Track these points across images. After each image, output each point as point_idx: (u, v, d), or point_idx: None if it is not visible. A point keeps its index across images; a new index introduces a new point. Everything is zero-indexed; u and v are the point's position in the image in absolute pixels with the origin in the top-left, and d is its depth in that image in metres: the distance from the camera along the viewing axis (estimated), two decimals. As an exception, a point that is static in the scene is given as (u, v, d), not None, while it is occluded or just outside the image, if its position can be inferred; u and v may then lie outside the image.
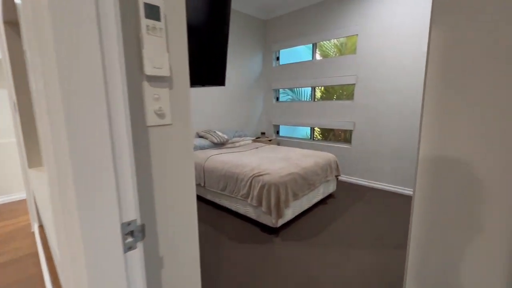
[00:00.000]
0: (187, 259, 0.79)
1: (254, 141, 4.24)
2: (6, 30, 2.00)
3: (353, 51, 3.77)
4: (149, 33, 0.58)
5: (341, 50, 4.56)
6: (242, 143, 3.88)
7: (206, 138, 3.52)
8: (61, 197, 0.50)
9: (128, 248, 0.50)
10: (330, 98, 4.98)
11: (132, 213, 0.50)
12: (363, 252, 1.99)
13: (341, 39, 4.46)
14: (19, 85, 2.03)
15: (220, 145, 3.57)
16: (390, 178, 3.33)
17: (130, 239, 0.51)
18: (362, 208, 2.81)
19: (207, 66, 1.03)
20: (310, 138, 4.44)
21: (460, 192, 0.89)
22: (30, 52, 0.70)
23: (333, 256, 1.93)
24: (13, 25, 2.02)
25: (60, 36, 0.39)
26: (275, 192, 2.18)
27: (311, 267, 1.81)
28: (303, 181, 2.47)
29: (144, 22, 0.57)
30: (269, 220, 2.24)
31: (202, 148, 3.32)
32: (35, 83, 0.67)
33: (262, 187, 2.24)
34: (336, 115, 3.81)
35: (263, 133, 4.68)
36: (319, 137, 5.19)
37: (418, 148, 1.00)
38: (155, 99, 0.62)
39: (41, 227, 2.28)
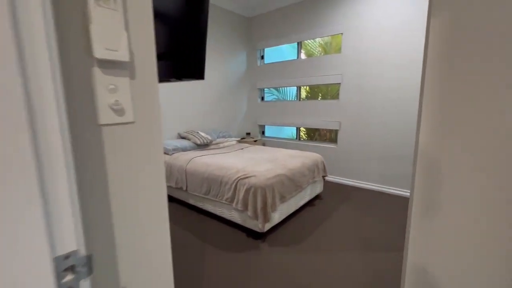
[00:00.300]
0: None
1: (239, 142, 4.12)
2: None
3: (338, 50, 3.75)
4: (99, 4, 0.44)
5: (326, 50, 4.54)
6: (226, 144, 3.74)
7: (189, 139, 3.35)
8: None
9: (66, 290, 0.37)
10: (315, 98, 4.96)
11: (72, 242, 0.37)
12: (352, 256, 1.92)
13: (326, 39, 4.45)
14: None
15: (203, 146, 3.41)
16: (376, 178, 3.33)
17: (69, 277, 0.37)
18: (349, 209, 2.77)
19: (183, 58, 0.90)
20: (296, 138, 4.38)
21: (464, 194, 0.82)
22: None
23: (322, 261, 1.85)
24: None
25: None
26: (261, 195, 2.07)
27: (300, 274, 1.72)
28: (290, 183, 2.39)
29: (92, -11, 0.44)
30: (256, 225, 2.12)
31: (184, 149, 3.16)
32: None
33: (248, 190, 2.13)
34: (322, 115, 3.77)
35: (248, 134, 4.57)
36: (304, 137, 5.15)
37: (416, 148, 0.93)
38: (111, 91, 0.48)
39: None
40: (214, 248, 2.03)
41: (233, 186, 2.24)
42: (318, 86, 4.73)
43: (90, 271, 0.40)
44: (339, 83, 3.52)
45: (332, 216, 2.59)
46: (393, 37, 2.97)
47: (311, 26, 3.67)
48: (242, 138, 4.39)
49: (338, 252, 1.97)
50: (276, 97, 4.99)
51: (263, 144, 4.52)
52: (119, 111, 0.50)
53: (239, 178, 2.23)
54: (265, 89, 4.65)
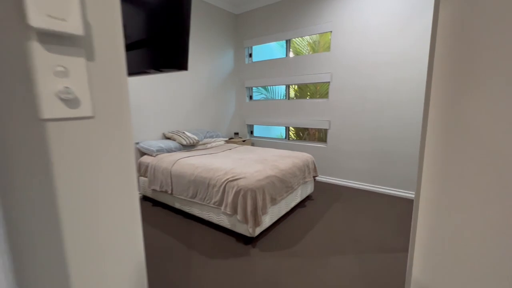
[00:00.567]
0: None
1: (227, 142, 3.99)
2: None
3: (327, 49, 3.71)
4: (36, -46, 0.32)
5: (315, 48, 4.50)
6: (214, 144, 3.61)
7: (174, 140, 3.19)
8: None
9: None
10: (304, 97, 4.92)
11: None
12: (346, 259, 1.85)
13: (314, 37, 4.41)
14: None
15: (189, 147, 3.26)
16: (366, 177, 3.31)
17: None
18: (340, 209, 2.72)
19: (163, 45, 0.78)
20: (285, 138, 4.31)
21: (480, 194, 0.75)
22: None
23: (315, 267, 1.77)
24: None
25: None
26: (251, 198, 1.97)
27: (293, 281, 1.63)
28: (281, 184, 2.29)
29: None
30: (246, 230, 2.02)
31: (169, 150, 3.00)
32: None
33: (237, 193, 2.02)
34: (312, 114, 3.72)
35: (236, 134, 4.45)
36: (293, 137, 5.09)
37: (423, 143, 0.85)
38: (58, 74, 0.36)
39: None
40: (201, 255, 1.90)
41: (222, 188, 2.12)
42: (307, 85, 4.69)
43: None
44: (329, 82, 3.47)
45: (324, 217, 2.53)
46: (383, 35, 2.95)
47: (300, 24, 3.61)
48: (230, 138, 4.27)
49: (332, 255, 1.90)
50: (265, 96, 4.90)
51: (252, 144, 4.42)
52: (72, 102, 0.38)
53: (227, 180, 2.11)
54: (254, 88, 4.55)
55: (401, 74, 2.88)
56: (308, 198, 3.01)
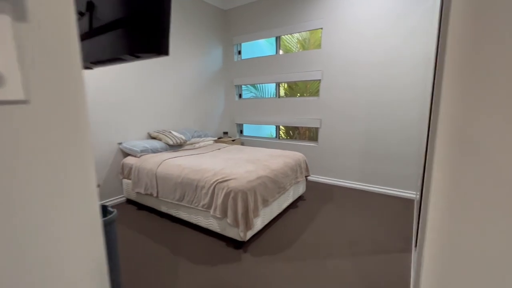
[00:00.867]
0: None
1: (216, 141, 3.87)
2: None
3: (318, 46, 3.65)
4: None
5: (305, 46, 4.45)
6: (202, 144, 3.47)
7: (160, 140, 3.04)
8: None
9: None
10: (294, 96, 4.85)
11: None
12: (342, 262, 1.78)
13: (304, 35, 4.36)
14: None
15: (176, 147, 3.11)
16: (358, 176, 3.27)
17: None
18: (333, 209, 2.66)
19: (139, 26, 0.66)
20: (276, 137, 4.23)
21: (494, 196, 0.68)
22: None
23: (310, 271, 1.69)
24: None
25: None
26: (242, 200, 1.86)
27: (287, 287, 1.54)
28: (273, 185, 2.20)
29: None
30: (236, 233, 1.91)
31: (154, 151, 2.84)
32: None
33: (227, 194, 1.91)
34: (302, 112, 3.65)
35: (225, 133, 4.32)
36: (284, 136, 5.02)
37: (432, 136, 0.78)
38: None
39: None
40: (188, 262, 1.78)
41: (211, 190, 2.00)
42: (296, 84, 4.63)
43: None
44: (319, 80, 3.41)
45: (317, 217, 2.45)
46: (376, 32, 2.92)
47: (290, 20, 3.53)
48: (219, 138, 4.14)
49: (327, 259, 1.82)
50: (254, 95, 4.80)
51: (242, 144, 4.31)
52: (-10, 78, 0.26)
53: (217, 182, 2.00)
54: (243, 86, 4.44)
55: (394, 72, 2.86)
56: (300, 198, 2.94)
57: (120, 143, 2.84)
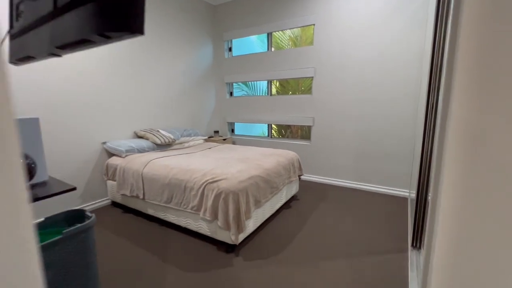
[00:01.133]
0: None
1: (206, 140, 3.75)
2: None
3: (309, 44, 3.60)
4: None
5: (297, 43, 4.38)
6: (192, 143, 3.35)
7: (147, 139, 2.90)
8: None
9: None
10: (286, 94, 4.78)
11: None
12: (338, 264, 1.71)
13: (296, 32, 4.29)
14: None
15: (164, 146, 2.98)
16: (352, 175, 3.22)
17: None
18: (327, 209, 2.59)
19: (107, 1, 0.56)
20: (268, 136, 4.14)
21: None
22: None
23: (306, 274, 1.61)
24: None
25: None
26: (233, 201, 1.77)
27: (283, 293, 1.46)
28: (265, 185, 2.11)
29: None
30: (227, 237, 1.81)
31: (141, 150, 2.70)
32: None
33: (218, 196, 1.80)
34: (295, 110, 3.58)
35: (216, 132, 4.21)
36: (275, 135, 4.94)
37: (441, 136, 0.70)
38: None
39: None
40: (176, 269, 1.67)
41: (200, 191, 1.89)
42: (288, 81, 4.56)
43: None
44: (312, 77, 3.35)
45: (311, 218, 2.38)
46: (369, 28, 2.87)
47: (282, 16, 3.45)
48: (209, 137, 4.02)
49: (323, 261, 1.75)
50: (246, 93, 4.70)
51: (233, 143, 4.20)
52: None
53: (206, 182, 1.89)
54: (234, 84, 4.34)
55: (387, 68, 2.82)
56: (293, 198, 2.86)
57: (104, 143, 2.68)
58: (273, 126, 4.42)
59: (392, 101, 2.84)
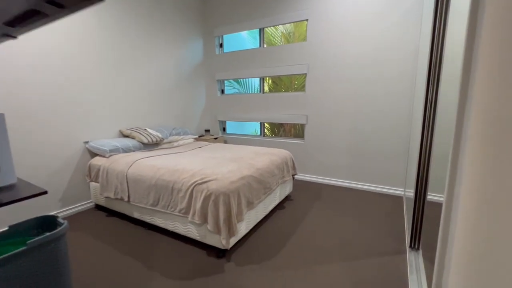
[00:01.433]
0: None
1: (196, 139, 3.62)
2: None
3: (302, 40, 3.51)
4: None
5: (289, 40, 4.29)
6: (181, 142, 3.22)
7: (133, 138, 2.75)
8: None
9: None
10: (278, 92, 4.70)
11: None
12: (335, 267, 1.63)
13: (289, 28, 4.20)
14: None
15: (152, 145, 2.84)
16: (347, 173, 3.16)
17: None
18: (322, 209, 2.51)
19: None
20: (261, 134, 4.04)
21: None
22: None
23: (302, 280, 1.51)
24: None
25: None
26: (224, 203, 1.65)
27: (277, 302, 1.36)
28: (258, 185, 2.01)
29: None
30: (218, 241, 1.70)
31: (126, 150, 2.56)
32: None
33: (207, 197, 1.69)
34: (288, 108, 3.49)
35: (207, 131, 4.08)
36: (268, 134, 4.85)
37: (456, 137, 0.62)
38: None
39: None
40: (162, 277, 1.55)
41: (188, 193, 1.78)
42: (281, 79, 4.47)
43: None
44: (305, 74, 3.26)
45: (306, 219, 2.30)
46: (364, 23, 2.80)
47: (274, 11, 3.36)
48: (200, 136, 3.89)
49: (319, 264, 1.66)
50: (238, 91, 4.59)
51: (225, 142, 4.09)
52: None
53: (195, 183, 1.77)
54: (226, 81, 4.21)
55: (382, 64, 2.76)
56: (287, 198, 2.77)
57: (86, 142, 2.52)
58: (265, 124, 4.32)
59: (386, 98, 2.79)
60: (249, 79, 4.35)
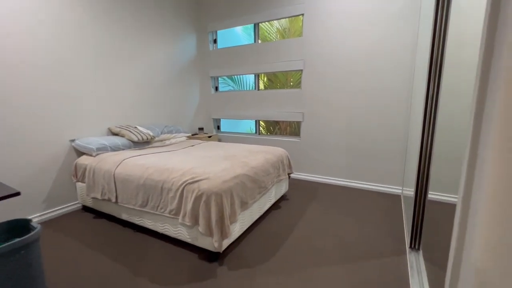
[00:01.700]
0: None
1: (189, 138, 3.51)
2: None
3: (299, 35, 3.43)
4: None
5: (285, 37, 4.21)
6: (173, 140, 3.11)
7: (123, 136, 2.64)
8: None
9: None
10: (274, 89, 4.61)
11: None
12: (334, 271, 1.55)
13: (284, 24, 4.12)
14: None
15: (142, 144, 2.73)
16: (344, 172, 3.09)
17: None
18: (319, 208, 2.44)
19: None
20: (256, 132, 3.95)
21: None
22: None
23: (298, 284, 1.43)
24: None
25: None
26: (216, 203, 1.56)
27: (272, 309, 1.27)
28: (253, 185, 1.92)
29: None
30: (210, 243, 1.61)
31: (115, 148, 2.44)
32: None
33: (198, 198, 1.60)
34: (284, 106, 3.41)
35: (201, 129, 3.97)
36: (263, 132, 4.77)
37: (475, 136, 0.54)
38: None
39: None
40: (150, 282, 1.45)
41: (179, 193, 1.68)
42: (276, 76, 4.39)
43: None
44: (301, 70, 3.18)
45: (303, 219, 2.22)
46: (361, 18, 2.73)
47: (270, 5, 3.27)
48: (193, 134, 3.79)
49: (316, 267, 1.58)
50: (232, 88, 4.49)
51: (219, 140, 3.99)
52: None
53: (186, 183, 1.68)
54: (220, 78, 4.11)
55: (380, 59, 2.69)
56: (282, 198, 2.69)
57: (72, 140, 2.40)
58: (261, 122, 4.24)
59: (384, 94, 2.72)
60: (244, 76, 4.26)
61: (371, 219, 2.22)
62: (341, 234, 1.97)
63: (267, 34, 4.18)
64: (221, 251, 1.62)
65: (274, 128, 4.76)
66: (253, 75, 3.74)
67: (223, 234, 1.57)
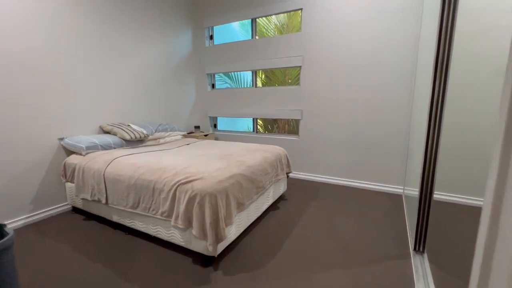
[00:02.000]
0: None
1: (185, 136, 3.41)
2: None
3: (297, 31, 3.34)
4: None
5: (283, 32, 4.12)
6: (168, 139, 3.01)
7: (115, 134, 2.53)
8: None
9: None
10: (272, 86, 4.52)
11: None
12: (335, 275, 1.47)
13: (282, 20, 4.03)
14: None
15: (135, 142, 2.63)
16: (344, 171, 3.01)
17: None
18: (319, 209, 2.36)
19: None
20: (253, 131, 3.86)
21: None
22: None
23: (298, 291, 1.35)
24: None
25: None
26: (210, 205, 1.47)
27: (270, 318, 1.19)
28: (250, 185, 1.83)
29: None
30: (204, 247, 1.52)
31: (106, 147, 2.34)
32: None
33: (192, 199, 1.51)
34: (282, 103, 3.32)
35: (197, 127, 3.87)
36: (261, 130, 4.68)
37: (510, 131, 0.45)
38: None
39: None
40: (141, 290, 1.36)
41: (171, 194, 1.59)
42: (274, 73, 4.30)
43: None
44: (300, 66, 3.10)
45: (302, 220, 2.14)
46: (361, 12, 2.64)
47: (267, 0, 3.17)
48: (189, 133, 3.69)
49: (316, 272, 1.49)
50: (229, 85, 4.39)
51: (216, 139, 3.89)
52: None
53: (179, 183, 1.59)
54: (216, 75, 4.01)
55: (381, 55, 2.61)
56: (281, 198, 2.61)
57: (61, 139, 2.30)
58: (258, 121, 4.15)
59: (385, 91, 2.64)
60: (241, 73, 4.17)
61: (372, 219, 2.14)
62: (342, 236, 1.89)
63: (264, 30, 4.09)
64: (215, 255, 1.53)
65: (272, 126, 4.67)
66: (251, 72, 3.65)
67: (218, 237, 1.48)
